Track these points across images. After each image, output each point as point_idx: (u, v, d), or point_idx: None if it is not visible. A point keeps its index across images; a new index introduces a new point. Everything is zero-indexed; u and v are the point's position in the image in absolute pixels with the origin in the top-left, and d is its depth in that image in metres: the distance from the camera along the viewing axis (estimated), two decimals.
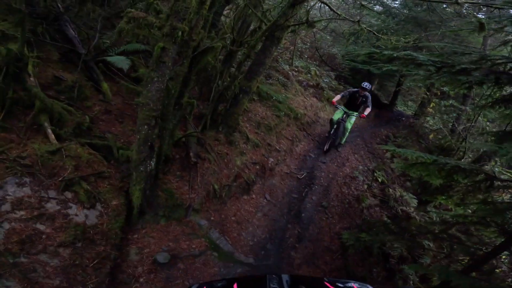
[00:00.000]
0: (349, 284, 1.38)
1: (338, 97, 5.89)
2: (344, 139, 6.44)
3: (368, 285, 1.39)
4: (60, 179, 2.70)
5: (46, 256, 2.39)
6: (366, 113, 5.77)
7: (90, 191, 2.83)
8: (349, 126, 6.09)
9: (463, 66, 2.97)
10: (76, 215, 2.68)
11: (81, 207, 2.73)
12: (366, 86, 5.67)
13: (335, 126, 5.94)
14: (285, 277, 1.32)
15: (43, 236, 2.44)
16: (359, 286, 1.36)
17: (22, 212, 2.43)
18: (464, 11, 6.59)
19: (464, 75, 2.98)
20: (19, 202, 2.46)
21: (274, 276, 1.32)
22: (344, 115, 5.94)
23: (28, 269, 2.28)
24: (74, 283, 2.42)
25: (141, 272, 2.92)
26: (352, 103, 5.99)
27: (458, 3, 2.75)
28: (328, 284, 1.33)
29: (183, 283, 3.02)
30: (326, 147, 6.19)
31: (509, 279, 3.82)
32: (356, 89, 5.92)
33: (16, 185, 2.52)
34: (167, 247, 3.21)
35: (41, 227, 2.47)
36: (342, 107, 6.06)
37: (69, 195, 2.73)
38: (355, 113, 5.99)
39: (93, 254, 2.61)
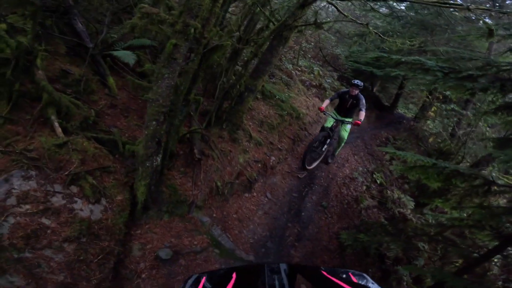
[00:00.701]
0: (346, 273, 1.40)
1: (327, 101, 5.01)
2: (338, 150, 5.74)
3: (364, 274, 1.42)
4: (66, 173, 2.68)
5: (50, 251, 2.36)
6: (361, 118, 4.74)
7: (96, 185, 2.82)
8: (344, 135, 5.27)
9: (469, 72, 3.00)
10: (81, 209, 2.66)
11: (86, 201, 2.72)
12: (357, 83, 4.82)
13: (321, 138, 5.07)
14: (283, 266, 1.34)
15: (48, 231, 2.41)
16: (355, 275, 1.38)
17: (27, 206, 2.40)
18: (473, 16, 6.57)
19: (470, 81, 3.01)
20: (25, 196, 2.43)
21: (272, 265, 1.35)
22: (334, 124, 5.12)
23: (33, 264, 2.24)
24: (78, 278, 2.40)
25: (143, 268, 2.93)
26: (342, 107, 5.10)
27: (469, 9, 2.76)
28: (325, 273, 1.34)
29: (184, 279, 3.04)
30: (308, 165, 5.28)
31: (499, 282, 3.92)
32: (346, 90, 5.07)
33: (22, 178, 2.49)
34: (170, 243, 3.22)
35: (46, 221, 2.43)
36: (332, 113, 5.26)
37: (74, 189, 2.71)
38: (349, 119, 5.08)
39: (97, 249, 2.60)
